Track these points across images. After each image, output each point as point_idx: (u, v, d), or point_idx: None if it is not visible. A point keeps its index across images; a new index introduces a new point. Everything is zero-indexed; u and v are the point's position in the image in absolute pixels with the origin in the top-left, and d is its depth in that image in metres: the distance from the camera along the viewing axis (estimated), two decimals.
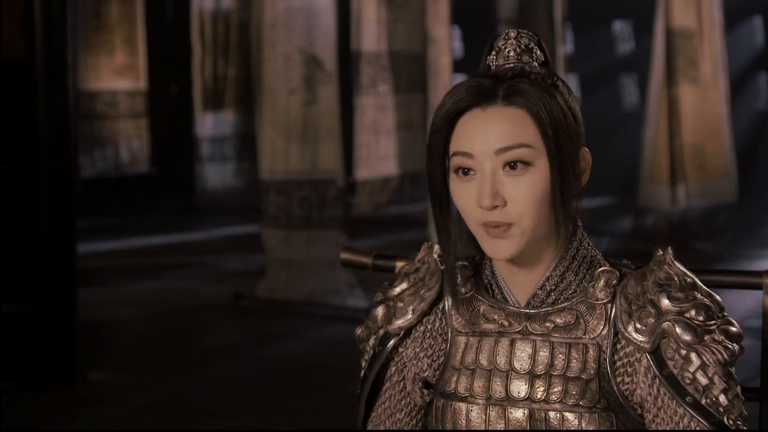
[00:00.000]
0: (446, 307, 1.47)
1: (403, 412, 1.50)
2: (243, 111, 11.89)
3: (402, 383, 1.50)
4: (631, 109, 12.96)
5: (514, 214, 1.34)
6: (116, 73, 11.47)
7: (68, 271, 4.98)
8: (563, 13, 10.68)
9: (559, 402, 1.36)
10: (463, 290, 1.45)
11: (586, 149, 1.41)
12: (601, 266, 1.42)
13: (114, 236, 9.75)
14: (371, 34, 10.29)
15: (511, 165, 1.34)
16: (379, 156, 10.43)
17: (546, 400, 1.37)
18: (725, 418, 1.31)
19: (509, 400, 1.39)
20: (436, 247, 1.51)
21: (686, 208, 8.61)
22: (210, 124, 11.82)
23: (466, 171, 1.36)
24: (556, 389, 1.37)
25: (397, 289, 1.50)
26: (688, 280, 1.37)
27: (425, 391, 1.48)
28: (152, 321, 6.52)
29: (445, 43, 10.98)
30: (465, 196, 1.36)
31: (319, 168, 6.86)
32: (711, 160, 8.75)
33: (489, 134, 1.34)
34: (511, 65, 1.39)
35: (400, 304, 1.48)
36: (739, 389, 1.34)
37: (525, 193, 1.33)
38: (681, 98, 8.44)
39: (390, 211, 10.46)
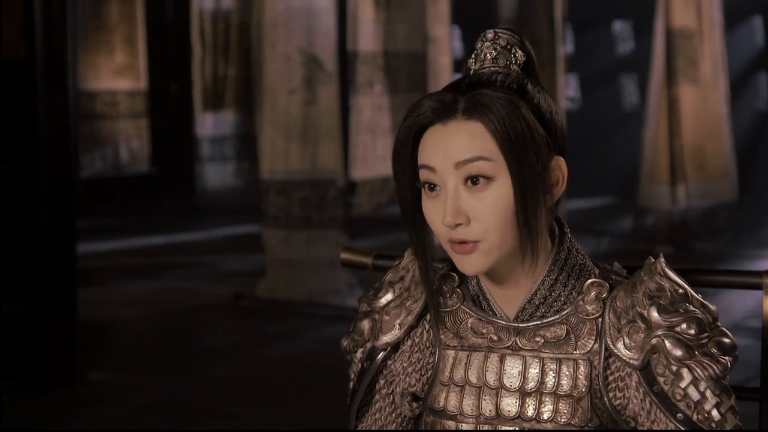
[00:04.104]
0: (433, 320, 1.43)
1: (394, 424, 1.48)
2: (243, 111, 11.89)
3: (391, 396, 1.47)
4: (631, 109, 12.96)
5: (478, 231, 1.30)
6: (116, 73, 11.47)
7: (68, 271, 4.98)
8: (563, 13, 10.68)
9: (550, 421, 1.34)
10: (449, 302, 1.42)
11: (561, 159, 1.35)
12: (590, 275, 1.37)
13: (114, 236, 9.75)
14: (368, 35, 10.30)
15: (473, 180, 1.29)
16: (377, 156, 10.43)
17: (537, 419, 1.34)
18: None
19: (500, 418, 1.36)
20: None
21: (686, 208, 8.61)
22: (210, 124, 11.82)
23: (432, 187, 1.33)
24: (546, 408, 1.34)
25: (383, 300, 1.46)
26: (680, 291, 1.32)
27: (414, 404, 1.45)
28: (152, 321, 6.52)
29: (445, 43, 10.99)
30: (432, 212, 1.33)
31: (319, 168, 6.87)
32: (711, 160, 8.75)
33: (448, 148, 1.30)
34: (486, 69, 1.35)
35: (386, 318, 1.44)
36: (733, 401, 1.29)
37: (488, 210, 1.29)
38: (681, 98, 8.45)
39: (390, 211, 10.46)
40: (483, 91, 1.31)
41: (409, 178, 1.35)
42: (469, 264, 1.32)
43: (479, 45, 1.37)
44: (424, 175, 1.33)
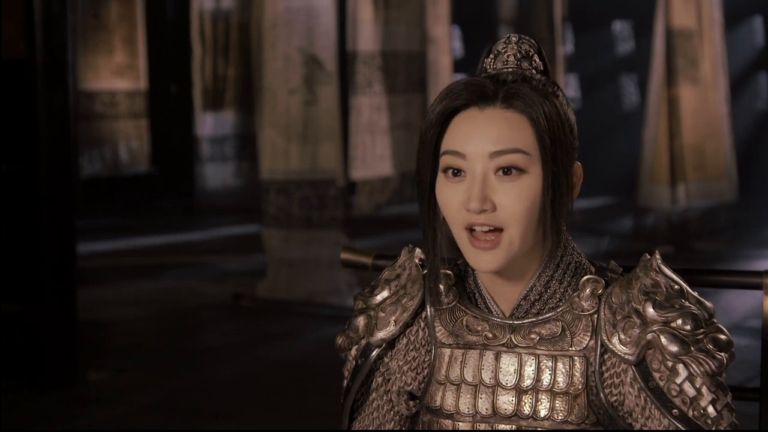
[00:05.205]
0: (429, 317, 1.43)
1: (392, 422, 1.47)
2: (243, 111, 11.89)
3: (389, 394, 1.47)
4: (631, 109, 12.96)
5: (503, 219, 1.30)
6: (115, 73, 11.46)
7: (68, 271, 4.97)
8: (563, 13, 10.69)
9: (547, 419, 1.33)
10: (445, 300, 1.42)
11: (579, 164, 1.37)
12: (586, 273, 1.38)
13: (114, 236, 9.75)
14: (367, 35, 10.30)
15: (505, 170, 1.30)
16: (376, 156, 10.44)
17: (534, 417, 1.34)
18: (713, 430, 1.27)
19: (496, 416, 1.36)
20: (417, 251, 1.47)
21: (686, 208, 8.60)
22: (210, 124, 11.82)
23: (456, 172, 1.32)
24: (543, 405, 1.34)
25: (378, 298, 1.46)
26: (676, 287, 1.33)
27: (411, 403, 1.45)
28: (152, 321, 6.51)
29: (445, 43, 10.99)
30: (452, 197, 1.32)
31: (319, 168, 6.86)
32: (711, 160, 8.75)
33: (484, 136, 1.30)
34: (511, 70, 1.35)
35: (382, 314, 1.44)
36: (729, 398, 1.29)
37: (515, 200, 1.29)
38: (681, 98, 8.44)
39: (390, 211, 10.47)
40: (524, 84, 1.32)
41: (431, 160, 1.34)
42: (486, 260, 1.31)
43: (502, 46, 1.38)
44: (449, 160, 1.32)
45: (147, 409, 4.66)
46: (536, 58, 1.38)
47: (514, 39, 1.38)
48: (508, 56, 1.37)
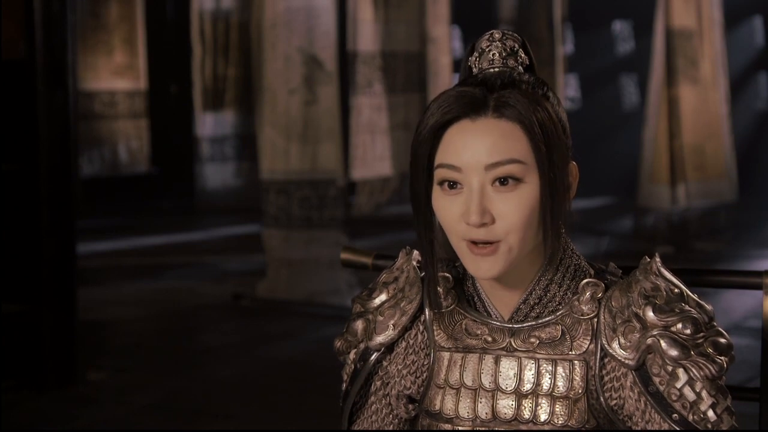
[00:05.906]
0: (427, 320, 1.42)
1: (392, 426, 1.47)
2: (243, 111, 11.89)
3: (388, 398, 1.46)
4: (631, 109, 12.95)
5: (502, 231, 1.28)
6: (115, 73, 11.46)
7: (68, 271, 4.97)
8: (563, 13, 10.69)
9: (547, 423, 1.33)
10: (444, 304, 1.40)
11: (574, 163, 1.36)
12: (585, 276, 1.37)
13: (114, 236, 9.75)
14: (367, 35, 10.30)
15: (502, 181, 1.28)
16: (376, 156, 10.44)
17: (534, 421, 1.33)
18: None
19: (496, 420, 1.35)
20: (415, 252, 1.45)
21: (686, 208, 8.60)
22: (210, 124, 11.82)
23: (452, 184, 1.30)
24: (543, 409, 1.33)
25: (377, 301, 1.44)
26: (676, 290, 1.32)
27: (410, 407, 1.45)
28: (152, 321, 6.51)
29: (445, 43, 11.00)
30: (449, 210, 1.31)
31: (319, 168, 6.86)
32: (711, 160, 8.75)
33: (478, 148, 1.28)
34: (497, 70, 1.33)
35: (380, 318, 1.43)
36: (729, 401, 1.28)
37: (514, 210, 1.28)
38: (681, 98, 8.44)
39: (390, 211, 10.47)
40: (514, 91, 1.30)
41: (425, 173, 1.33)
42: (485, 268, 1.30)
43: (486, 44, 1.36)
44: (445, 173, 1.30)
45: (147, 409, 4.66)
46: (521, 53, 1.35)
47: (497, 36, 1.36)
48: (492, 54, 1.35)
